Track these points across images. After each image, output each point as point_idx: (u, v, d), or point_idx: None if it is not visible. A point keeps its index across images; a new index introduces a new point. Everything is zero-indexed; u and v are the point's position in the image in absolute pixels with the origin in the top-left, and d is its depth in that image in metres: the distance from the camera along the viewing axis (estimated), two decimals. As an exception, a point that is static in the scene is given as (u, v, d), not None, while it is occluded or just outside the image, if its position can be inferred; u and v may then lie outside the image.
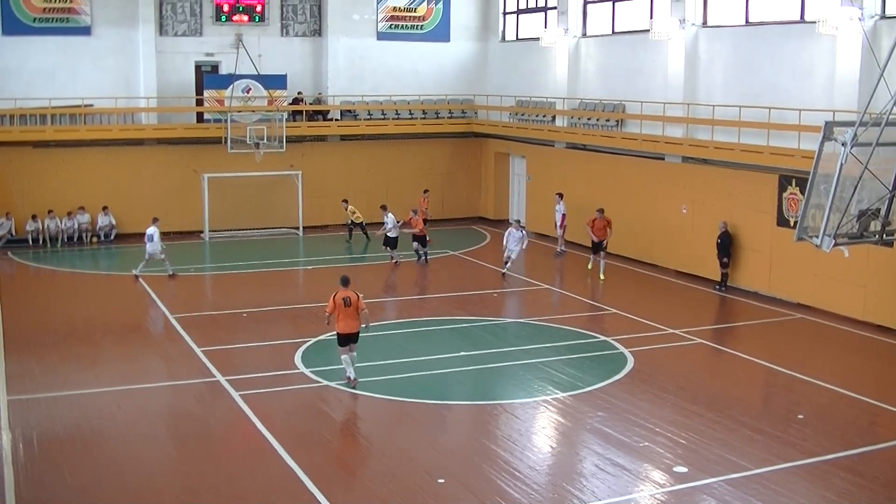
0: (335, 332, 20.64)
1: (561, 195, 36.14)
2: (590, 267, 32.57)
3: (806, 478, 16.24)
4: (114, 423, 19.00)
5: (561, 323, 26.14)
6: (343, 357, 20.65)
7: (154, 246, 31.37)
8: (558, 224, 36.34)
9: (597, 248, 32.28)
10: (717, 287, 30.32)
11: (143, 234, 32.10)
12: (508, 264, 31.90)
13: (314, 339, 24.27)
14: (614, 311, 27.36)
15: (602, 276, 31.61)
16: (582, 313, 27.43)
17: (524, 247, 31.62)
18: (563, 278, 32.64)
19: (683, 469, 16.52)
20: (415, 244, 34.46)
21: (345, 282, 20.68)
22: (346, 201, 38.65)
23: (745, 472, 16.39)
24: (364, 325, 20.90)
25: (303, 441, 17.90)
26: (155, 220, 31.93)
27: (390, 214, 34.19)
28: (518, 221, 33.88)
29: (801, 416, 19.24)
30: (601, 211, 32.29)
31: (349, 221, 38.66)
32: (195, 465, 17.02)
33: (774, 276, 29.11)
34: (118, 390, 20.82)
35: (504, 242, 31.88)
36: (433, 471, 16.62)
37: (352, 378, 20.62)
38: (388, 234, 34.01)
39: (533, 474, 16.50)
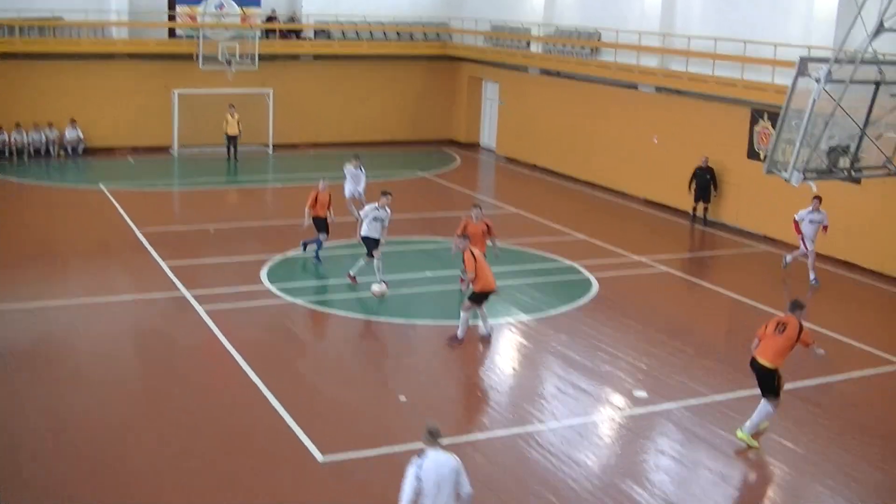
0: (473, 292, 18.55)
1: (819, 199, 23.80)
2: None
3: (763, 405, 16.45)
4: (79, 337, 19.05)
5: (528, 247, 26.21)
6: (464, 315, 18.62)
7: None
8: (808, 235, 24.26)
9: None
10: (693, 218, 30.34)
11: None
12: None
13: (281, 256, 24.29)
14: (582, 236, 27.43)
15: None
16: (549, 237, 27.47)
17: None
18: (532, 203, 32.48)
19: (643, 394, 16.72)
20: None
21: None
22: (232, 106, 37.92)
23: (704, 398, 16.64)
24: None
25: (267, 357, 17.98)
26: None
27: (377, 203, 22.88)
28: None
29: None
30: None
31: (229, 134, 37.97)
32: (160, 380, 17.08)
33: (742, 208, 29.25)
34: (83, 303, 20.84)
35: None
36: (395, 388, 16.76)
37: (460, 337, 18.70)
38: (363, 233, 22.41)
39: (494, 394, 16.67)
